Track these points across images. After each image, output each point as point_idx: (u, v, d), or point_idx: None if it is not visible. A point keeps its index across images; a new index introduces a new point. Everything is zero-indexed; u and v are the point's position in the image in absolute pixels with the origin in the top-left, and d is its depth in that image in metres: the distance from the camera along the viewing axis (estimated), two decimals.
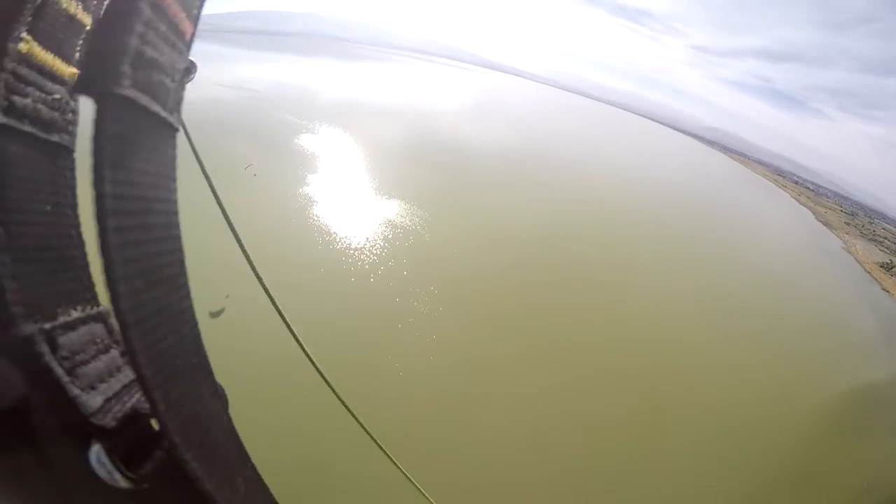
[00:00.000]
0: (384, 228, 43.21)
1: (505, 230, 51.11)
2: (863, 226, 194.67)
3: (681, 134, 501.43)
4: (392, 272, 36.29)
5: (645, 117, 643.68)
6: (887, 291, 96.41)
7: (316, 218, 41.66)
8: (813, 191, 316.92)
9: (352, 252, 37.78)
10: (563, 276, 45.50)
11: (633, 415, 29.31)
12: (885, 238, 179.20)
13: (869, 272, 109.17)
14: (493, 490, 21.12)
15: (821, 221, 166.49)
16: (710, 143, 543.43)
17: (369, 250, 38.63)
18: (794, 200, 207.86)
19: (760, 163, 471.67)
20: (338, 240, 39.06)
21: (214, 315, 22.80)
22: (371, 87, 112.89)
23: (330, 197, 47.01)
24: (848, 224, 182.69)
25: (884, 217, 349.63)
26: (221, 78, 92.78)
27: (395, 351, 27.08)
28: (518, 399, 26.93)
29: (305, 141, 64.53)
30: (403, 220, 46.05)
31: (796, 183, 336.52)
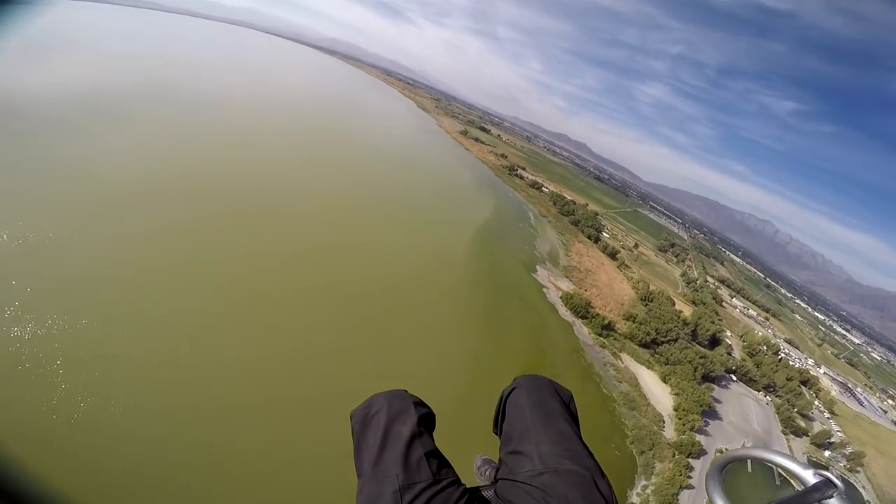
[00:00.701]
0: None
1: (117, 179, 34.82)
2: (445, 107, 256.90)
3: (304, 47, 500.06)
4: None
5: (268, 33, 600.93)
6: (468, 150, 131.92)
7: None
8: (412, 85, 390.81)
9: None
10: (226, 205, 37.58)
11: (319, 287, 30.89)
12: (459, 114, 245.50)
13: (455, 139, 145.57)
14: None
15: (421, 108, 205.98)
16: (332, 52, 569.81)
17: None
18: (400, 94, 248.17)
19: (373, 66, 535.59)
20: None
21: None
22: None
23: None
24: (437, 107, 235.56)
25: (455, 99, 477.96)
26: None
27: None
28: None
29: None
30: None
31: (400, 80, 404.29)
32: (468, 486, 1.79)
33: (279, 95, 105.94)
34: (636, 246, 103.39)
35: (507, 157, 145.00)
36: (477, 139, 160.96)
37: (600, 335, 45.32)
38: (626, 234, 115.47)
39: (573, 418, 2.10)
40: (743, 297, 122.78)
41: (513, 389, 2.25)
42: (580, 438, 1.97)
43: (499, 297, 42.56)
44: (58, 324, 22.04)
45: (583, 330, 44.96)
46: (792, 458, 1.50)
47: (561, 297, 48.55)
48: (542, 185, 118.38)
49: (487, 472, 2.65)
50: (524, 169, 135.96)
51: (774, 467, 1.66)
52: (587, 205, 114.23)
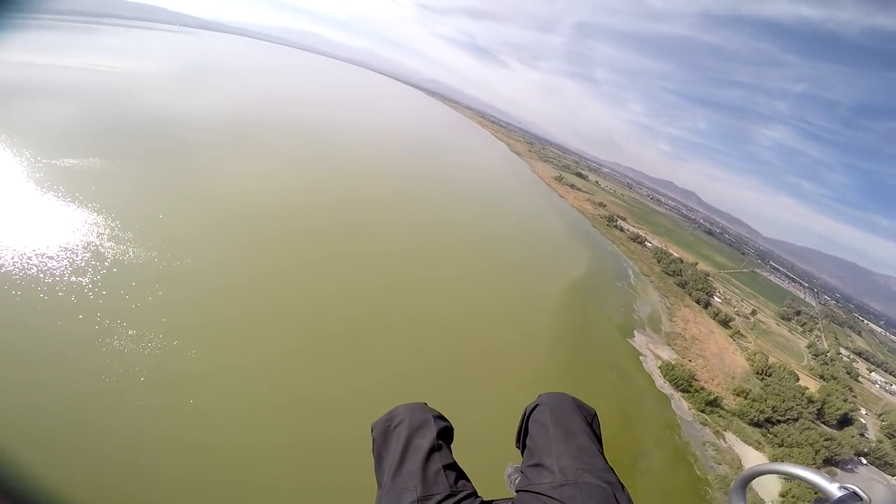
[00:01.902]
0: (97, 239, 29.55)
1: (246, 197, 43.05)
2: (539, 151, 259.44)
3: (409, 87, 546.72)
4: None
5: (379, 73, 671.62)
6: (563, 197, 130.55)
7: None
8: (505, 128, 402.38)
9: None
10: (318, 234, 42.35)
11: (399, 324, 32.26)
12: (554, 158, 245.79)
13: (548, 184, 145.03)
14: None
15: (513, 152, 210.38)
16: (432, 93, 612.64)
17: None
18: (493, 137, 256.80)
19: (469, 108, 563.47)
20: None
21: None
22: (27, 62, 69.94)
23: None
24: (530, 151, 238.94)
25: (549, 143, 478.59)
26: None
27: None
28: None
29: None
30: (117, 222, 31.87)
31: (494, 123, 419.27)
32: (485, 500, 1.86)
33: (382, 132, 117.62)
34: (754, 313, 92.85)
35: (605, 205, 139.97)
36: (572, 186, 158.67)
37: (703, 411, 41.64)
38: (742, 299, 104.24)
39: (596, 435, 2.16)
40: (884, 371, 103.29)
41: (536, 406, 2.31)
42: (602, 454, 2.00)
43: (585, 360, 40.75)
44: (154, 341, 23.26)
45: (682, 405, 41.73)
46: (817, 471, 1.51)
47: (660, 367, 45.73)
48: (645, 239, 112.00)
49: (517, 480, 2.63)
50: (625, 219, 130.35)
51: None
52: (696, 264, 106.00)
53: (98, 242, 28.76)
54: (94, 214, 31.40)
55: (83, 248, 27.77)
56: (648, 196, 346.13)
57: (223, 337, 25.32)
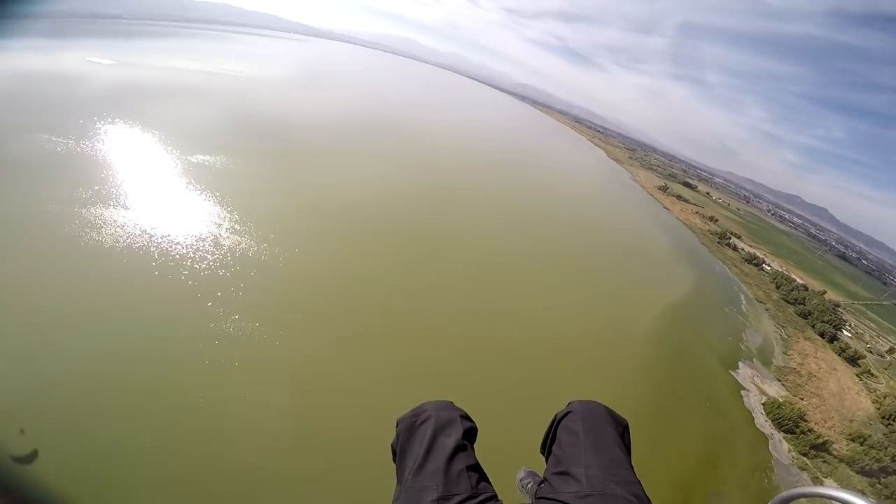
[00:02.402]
0: (218, 232, 35.74)
1: (347, 199, 48.27)
2: (641, 158, 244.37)
3: (499, 91, 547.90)
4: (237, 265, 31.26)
5: (469, 77, 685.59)
6: (667, 209, 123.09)
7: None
8: (603, 134, 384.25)
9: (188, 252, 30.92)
10: (412, 237, 45.09)
11: (481, 350, 31.27)
12: (658, 166, 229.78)
13: (651, 194, 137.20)
14: None
15: (612, 158, 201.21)
16: (523, 98, 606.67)
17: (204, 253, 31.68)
18: (590, 143, 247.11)
19: (562, 112, 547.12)
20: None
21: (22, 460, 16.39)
22: (170, 66, 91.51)
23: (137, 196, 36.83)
24: (631, 158, 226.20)
25: (654, 150, 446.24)
26: None
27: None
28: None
29: (99, 135, 48.38)
30: (239, 217, 38.55)
31: (589, 128, 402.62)
32: None
33: (471, 136, 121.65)
34: (891, 351, 79.64)
35: (717, 220, 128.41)
36: (679, 196, 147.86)
37: (805, 455, 38.45)
38: (879, 335, 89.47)
39: (626, 447, 2.08)
40: None
41: (567, 413, 2.23)
42: (631, 467, 1.96)
43: (677, 389, 38.18)
44: (258, 329, 25.89)
45: (781, 446, 38.63)
46: (860, 494, 1.46)
47: (763, 404, 42.93)
48: (763, 261, 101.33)
49: (529, 485, 2.66)
50: (739, 237, 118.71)
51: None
52: (824, 292, 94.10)
53: (217, 232, 34.61)
54: (217, 206, 37.92)
55: (205, 235, 33.64)
56: (769, 212, 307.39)
57: (319, 324, 28.64)
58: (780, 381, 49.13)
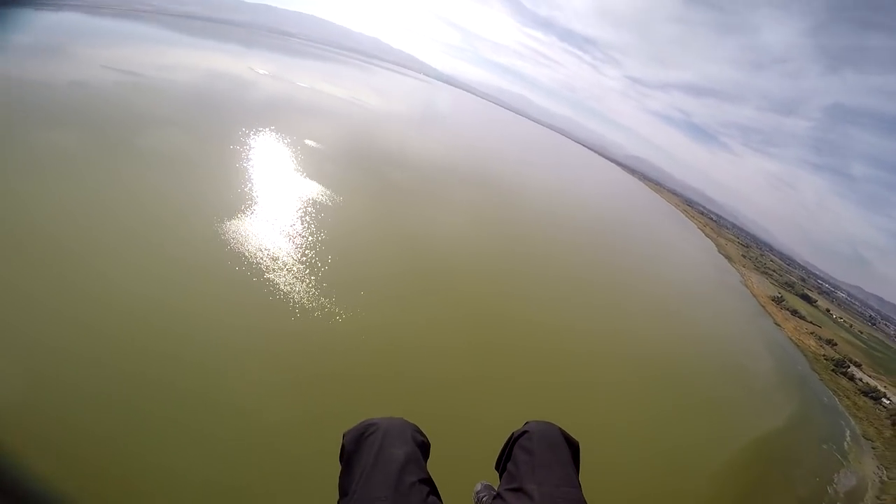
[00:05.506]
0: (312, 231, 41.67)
1: (424, 240, 50.80)
2: (756, 258, 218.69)
3: (607, 161, 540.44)
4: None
5: (577, 142, 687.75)
6: (779, 325, 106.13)
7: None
8: (716, 222, 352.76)
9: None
10: (480, 293, 44.75)
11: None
12: (774, 271, 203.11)
13: (763, 306, 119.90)
14: None
15: (722, 254, 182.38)
16: (632, 171, 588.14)
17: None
18: (699, 231, 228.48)
19: (673, 192, 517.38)
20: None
21: None
22: (312, 87, 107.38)
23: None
24: (744, 256, 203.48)
25: (770, 248, 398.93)
26: (159, 61, 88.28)
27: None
28: None
29: (239, 136, 60.09)
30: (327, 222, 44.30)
31: (702, 214, 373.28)
32: None
33: (570, 204, 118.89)
34: None
35: (836, 344, 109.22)
36: (795, 311, 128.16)
37: None
38: None
39: (577, 468, 2.11)
40: None
41: (523, 433, 2.25)
42: (580, 486, 1.97)
43: None
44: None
45: None
46: None
47: None
48: (884, 394, 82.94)
49: (484, 499, 2.65)
50: (859, 365, 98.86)
51: None
52: None
53: (328, 238, 40.12)
54: (329, 216, 43.86)
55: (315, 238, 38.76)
56: None
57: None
58: None
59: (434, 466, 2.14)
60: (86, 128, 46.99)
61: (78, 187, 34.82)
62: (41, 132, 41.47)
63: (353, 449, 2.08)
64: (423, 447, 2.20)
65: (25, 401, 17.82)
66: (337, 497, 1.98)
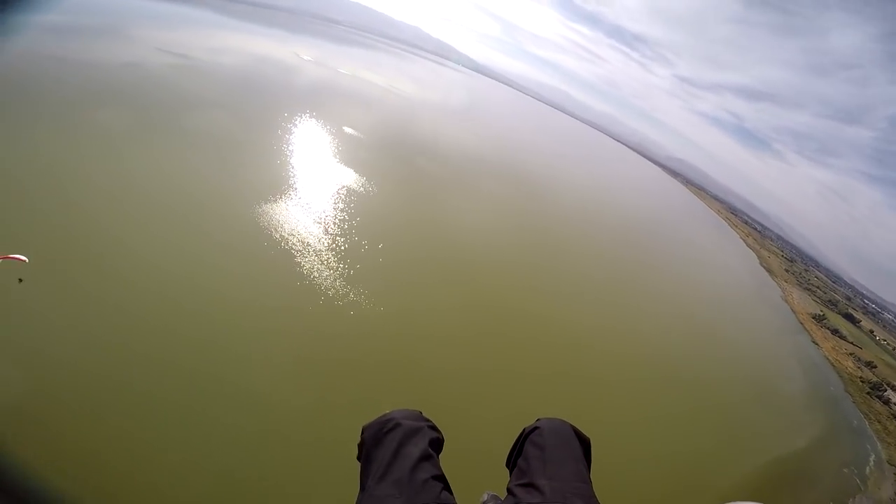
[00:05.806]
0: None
1: (448, 229, 51.57)
2: (799, 273, 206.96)
3: (649, 162, 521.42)
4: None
5: (618, 141, 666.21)
6: (816, 344, 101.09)
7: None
8: (760, 232, 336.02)
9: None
10: (504, 289, 44.62)
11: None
12: (818, 287, 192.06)
13: (802, 322, 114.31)
14: None
15: (764, 267, 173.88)
16: (675, 173, 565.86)
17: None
18: (741, 242, 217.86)
19: (717, 198, 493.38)
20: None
21: None
22: (353, 74, 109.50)
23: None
24: (787, 271, 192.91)
25: (816, 264, 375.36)
26: (209, 45, 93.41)
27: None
28: None
29: (280, 121, 62.57)
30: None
31: (746, 223, 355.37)
32: None
33: (606, 204, 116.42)
34: None
35: (875, 366, 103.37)
36: (835, 331, 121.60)
37: None
38: None
39: (588, 464, 2.14)
40: None
41: (535, 429, 2.29)
42: (591, 483, 2.01)
43: None
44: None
45: None
46: None
47: None
48: None
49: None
50: None
51: None
52: None
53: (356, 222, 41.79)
54: (360, 204, 45.56)
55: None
56: None
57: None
58: None
59: (445, 459, 2.25)
60: (138, 108, 49.82)
61: (124, 165, 37.27)
62: (97, 112, 44.44)
63: (372, 444, 2.15)
64: (437, 443, 2.25)
65: (37, 388, 19.13)
66: (358, 490, 2.08)
